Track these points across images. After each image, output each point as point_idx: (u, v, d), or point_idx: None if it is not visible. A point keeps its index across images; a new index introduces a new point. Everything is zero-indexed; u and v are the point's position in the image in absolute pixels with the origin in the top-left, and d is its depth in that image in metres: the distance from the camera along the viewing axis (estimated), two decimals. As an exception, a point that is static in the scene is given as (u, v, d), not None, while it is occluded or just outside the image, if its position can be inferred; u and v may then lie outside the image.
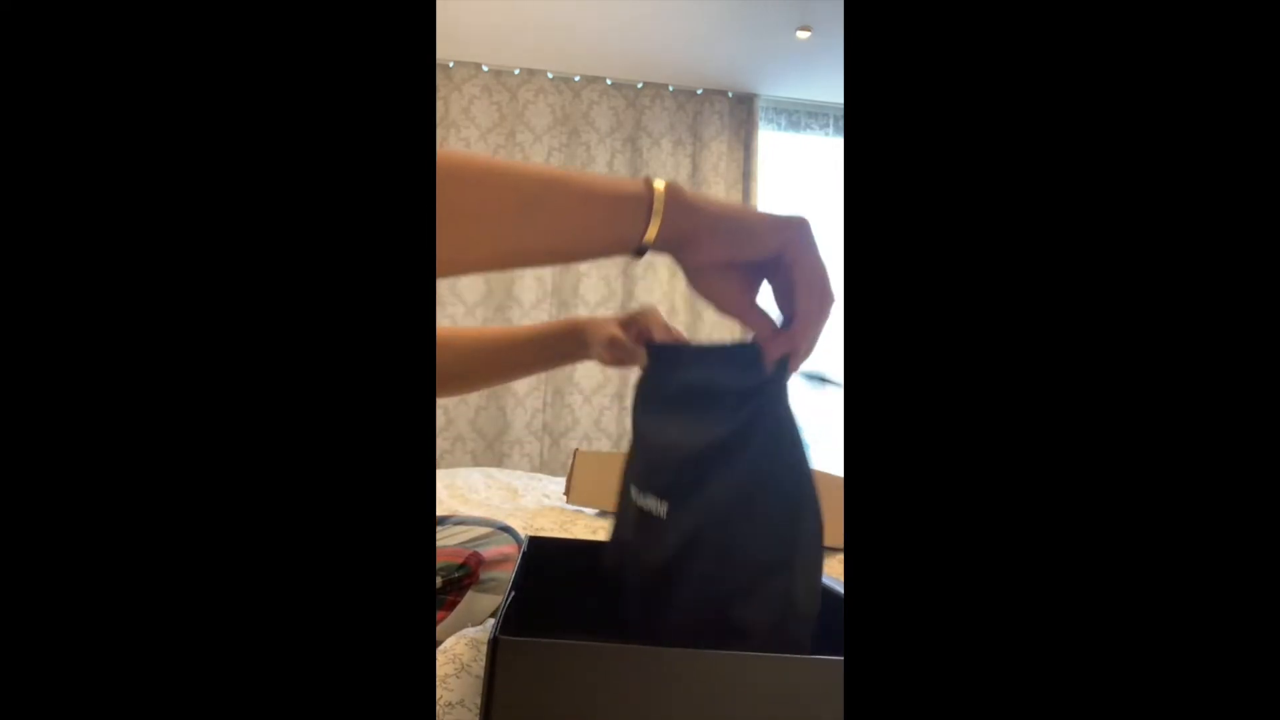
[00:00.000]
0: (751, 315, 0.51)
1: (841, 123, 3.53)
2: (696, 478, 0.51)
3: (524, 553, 0.76)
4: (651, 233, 0.45)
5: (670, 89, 3.49)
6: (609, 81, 3.46)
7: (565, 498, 1.59)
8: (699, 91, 3.49)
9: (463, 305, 3.29)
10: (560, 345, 0.73)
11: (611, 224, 0.44)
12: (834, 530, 1.37)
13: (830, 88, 3.42)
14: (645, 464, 0.58)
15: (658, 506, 0.54)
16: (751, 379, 0.51)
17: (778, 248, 0.48)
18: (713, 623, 0.48)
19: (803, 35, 3.00)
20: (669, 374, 0.59)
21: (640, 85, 3.47)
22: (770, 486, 0.49)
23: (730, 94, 3.52)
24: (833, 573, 1.24)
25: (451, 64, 3.34)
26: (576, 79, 3.43)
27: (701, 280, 0.50)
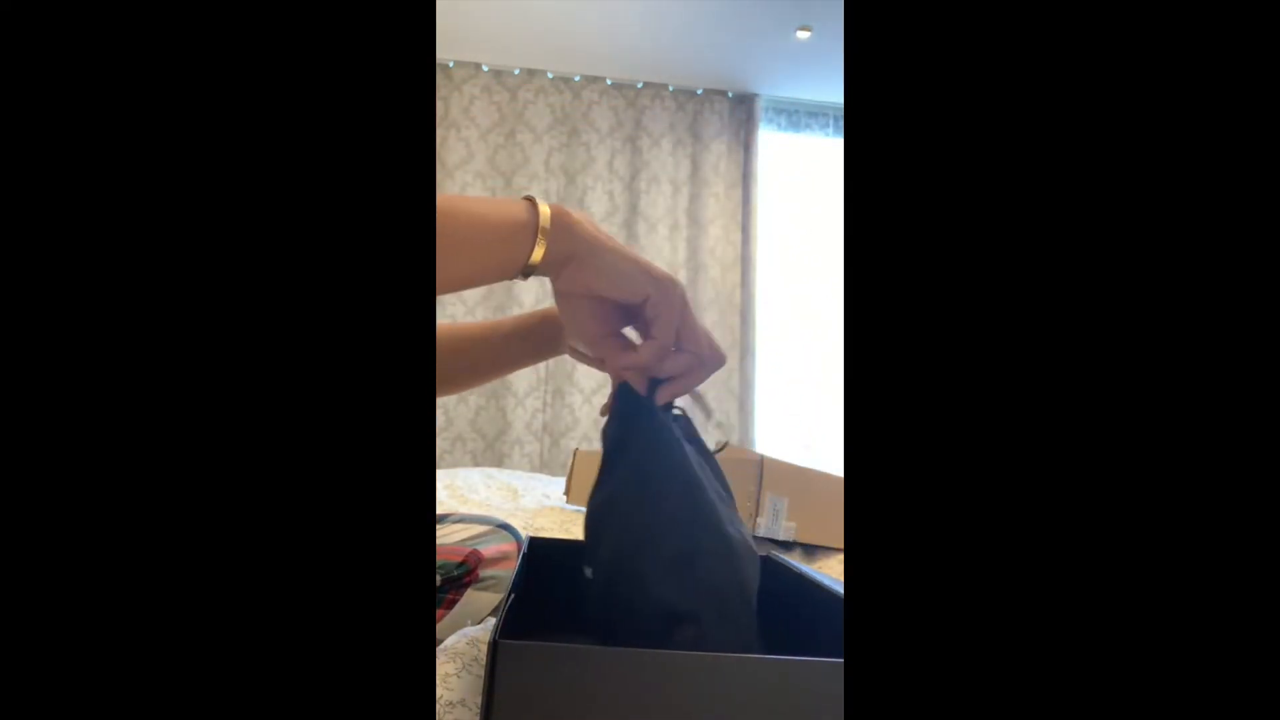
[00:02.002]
0: (603, 344, 0.52)
1: (841, 123, 3.53)
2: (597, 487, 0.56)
3: (524, 553, 0.76)
4: (537, 254, 0.45)
5: (670, 89, 3.49)
6: (609, 81, 3.46)
7: (565, 498, 1.59)
8: (699, 91, 3.49)
9: (463, 305, 3.29)
10: (542, 335, 0.71)
11: (500, 249, 0.44)
12: (834, 530, 1.37)
13: (830, 88, 3.42)
14: None
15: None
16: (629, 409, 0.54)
17: (644, 296, 0.49)
18: (646, 611, 0.50)
19: (803, 35, 3.00)
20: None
21: (640, 85, 3.47)
22: (655, 482, 0.52)
23: (730, 94, 3.52)
24: (833, 573, 1.25)
25: (451, 64, 3.34)
26: (576, 79, 3.43)
27: (567, 305, 0.51)
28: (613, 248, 0.48)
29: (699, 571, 0.50)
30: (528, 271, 0.46)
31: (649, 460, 0.52)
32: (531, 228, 0.45)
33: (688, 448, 0.54)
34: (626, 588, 0.51)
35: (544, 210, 0.45)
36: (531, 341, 0.72)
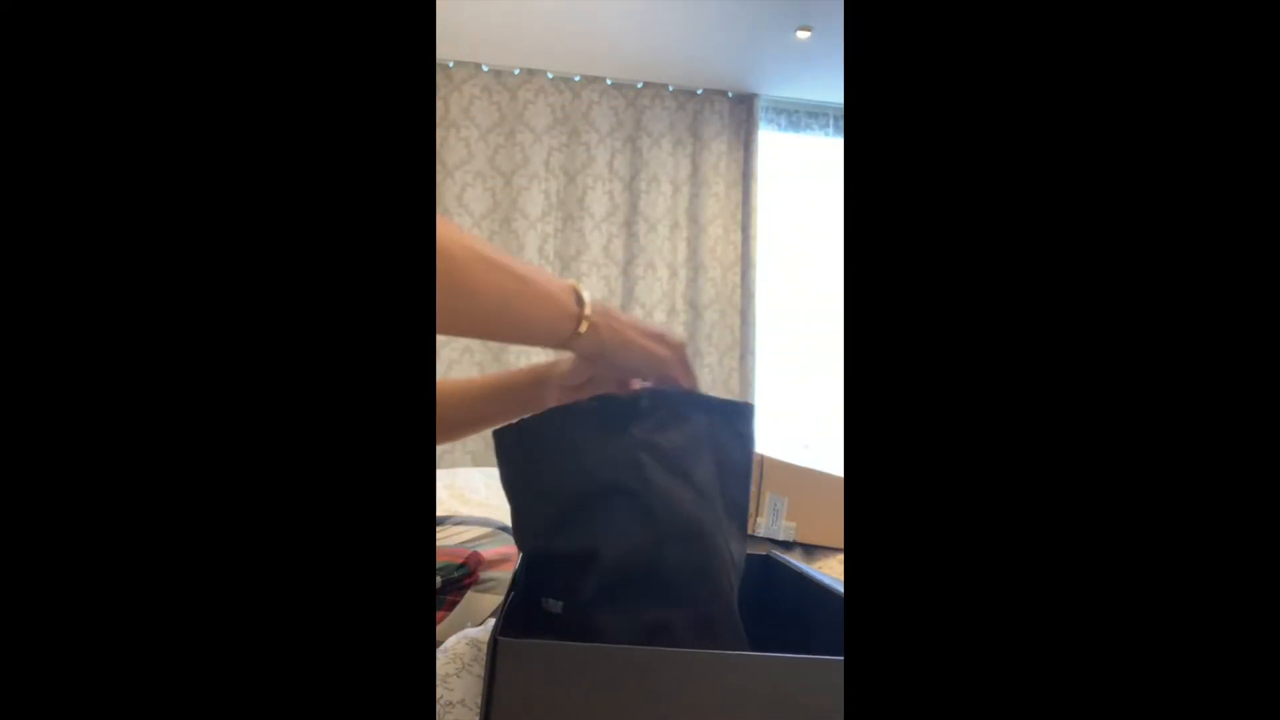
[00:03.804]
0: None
1: (841, 123, 3.53)
2: None
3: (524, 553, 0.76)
4: (573, 347, 0.55)
5: (670, 89, 3.49)
6: (609, 81, 3.45)
7: (565, 498, 1.58)
8: (699, 91, 3.49)
9: (463, 305, 3.28)
10: (534, 393, 0.73)
11: (556, 323, 0.53)
12: (834, 530, 1.37)
13: (830, 88, 3.41)
14: None
15: None
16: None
17: (661, 376, 0.58)
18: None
19: (803, 35, 3.00)
20: None
21: (640, 85, 3.47)
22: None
23: (730, 94, 3.52)
24: (833, 573, 1.25)
25: (451, 64, 3.34)
26: (576, 79, 3.43)
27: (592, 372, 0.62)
28: (632, 348, 0.56)
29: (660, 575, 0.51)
30: (565, 347, 0.55)
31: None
32: (576, 319, 0.53)
33: (643, 457, 0.53)
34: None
35: (588, 311, 0.53)
36: (523, 399, 0.74)
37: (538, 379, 0.73)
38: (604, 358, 0.56)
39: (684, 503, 0.53)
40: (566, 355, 0.65)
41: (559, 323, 0.53)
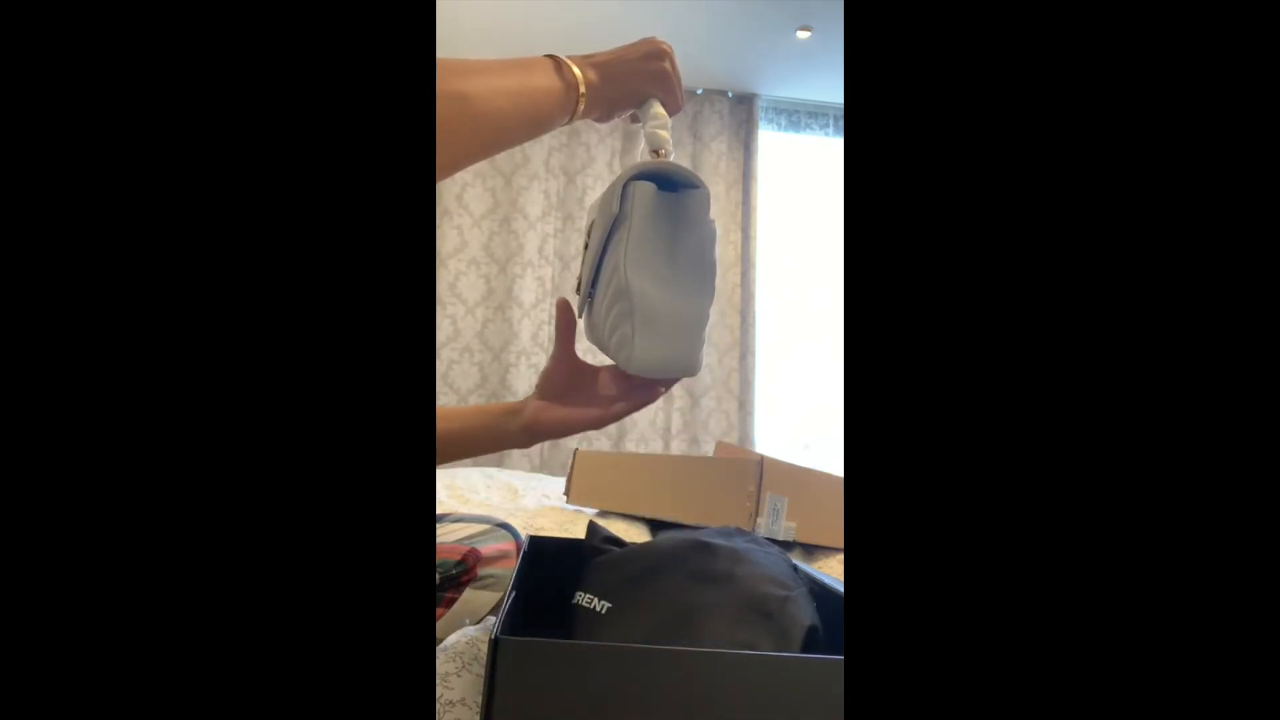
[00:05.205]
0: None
1: (841, 123, 3.53)
2: None
3: (524, 552, 0.76)
4: (579, 114, 0.57)
5: (670, 89, 3.49)
6: (609, 81, 3.45)
7: (565, 498, 1.59)
8: (699, 91, 3.49)
9: (463, 305, 3.29)
10: (510, 430, 0.70)
11: (557, 111, 0.55)
12: (834, 530, 1.37)
13: (830, 88, 3.41)
14: None
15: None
16: None
17: (664, 87, 0.62)
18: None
19: (803, 35, 3.00)
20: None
21: (640, 85, 3.47)
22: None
23: (730, 94, 3.52)
24: (833, 573, 1.24)
25: (452, 64, 3.34)
26: (577, 79, 3.43)
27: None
28: (624, 79, 0.59)
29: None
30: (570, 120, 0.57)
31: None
32: (573, 93, 0.55)
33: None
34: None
35: (577, 77, 0.55)
36: (498, 436, 0.71)
37: (493, 424, 0.70)
38: (611, 101, 0.58)
39: None
40: (527, 403, 0.66)
41: (560, 103, 0.54)
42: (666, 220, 0.56)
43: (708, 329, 0.59)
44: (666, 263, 0.56)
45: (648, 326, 0.55)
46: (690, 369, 0.58)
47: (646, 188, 0.56)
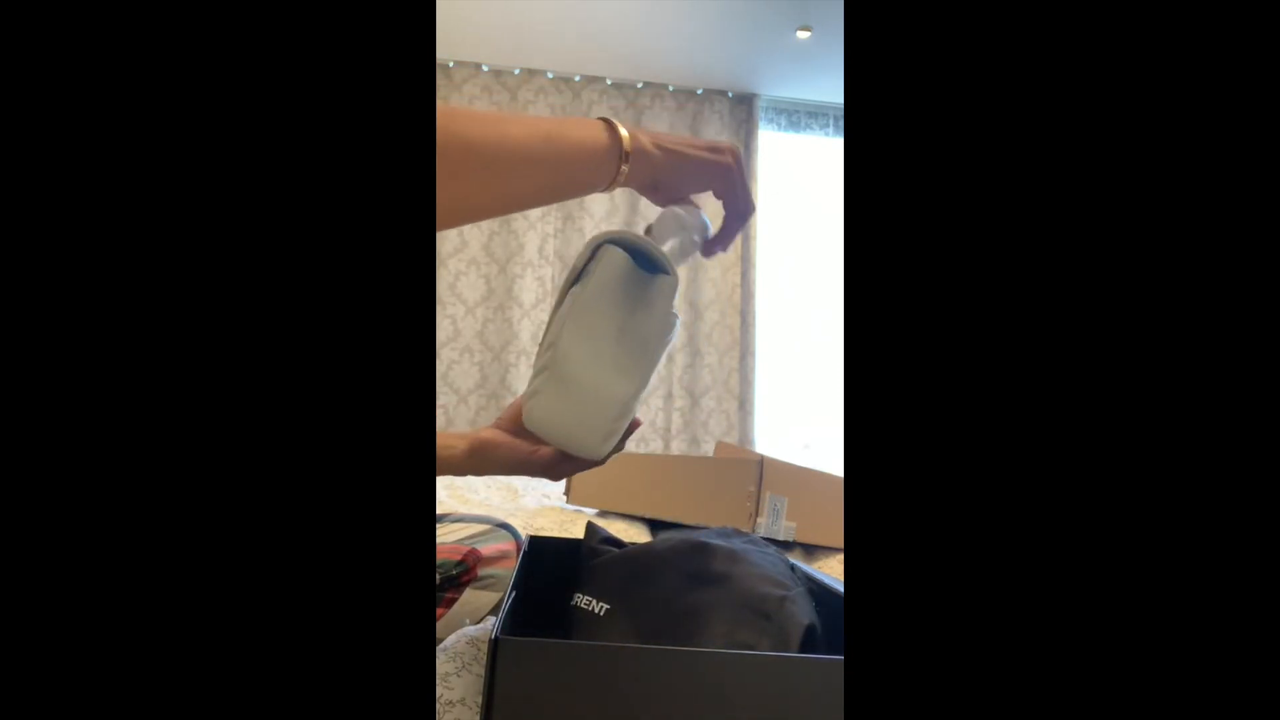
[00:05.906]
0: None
1: (841, 123, 3.53)
2: None
3: (524, 552, 0.76)
4: (621, 180, 0.52)
5: (670, 89, 3.49)
6: (609, 81, 3.46)
7: (565, 498, 1.59)
8: (699, 91, 3.49)
9: (463, 305, 3.29)
10: (443, 457, 0.69)
11: (593, 172, 0.50)
12: (834, 530, 1.37)
13: (830, 88, 3.42)
14: None
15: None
16: None
17: (720, 184, 0.57)
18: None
19: (803, 35, 3.00)
20: None
21: (640, 85, 3.47)
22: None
23: (730, 94, 3.52)
24: (833, 573, 1.24)
25: (451, 64, 3.34)
26: (576, 79, 3.43)
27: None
28: (681, 159, 0.54)
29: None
30: (609, 188, 0.53)
31: None
32: (617, 154, 0.50)
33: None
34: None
35: (624, 136, 0.51)
36: (443, 457, 0.69)
37: (475, 449, 0.68)
38: (662, 183, 0.54)
39: None
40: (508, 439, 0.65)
41: (601, 164, 0.50)
42: (625, 294, 0.53)
43: (627, 421, 0.54)
44: (609, 335, 0.52)
45: (559, 386, 0.52)
46: (590, 449, 0.54)
47: (617, 255, 0.52)
